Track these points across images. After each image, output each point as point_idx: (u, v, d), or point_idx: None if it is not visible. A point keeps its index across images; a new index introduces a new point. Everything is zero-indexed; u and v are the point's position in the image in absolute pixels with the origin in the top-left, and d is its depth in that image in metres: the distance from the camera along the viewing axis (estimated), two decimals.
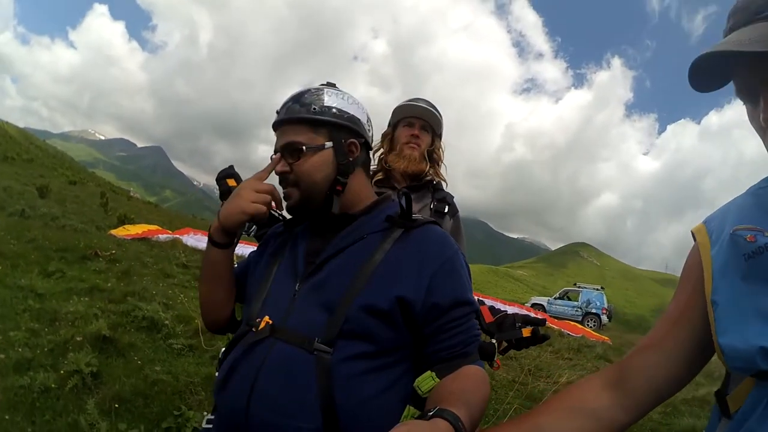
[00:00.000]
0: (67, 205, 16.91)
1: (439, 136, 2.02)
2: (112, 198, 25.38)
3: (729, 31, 0.77)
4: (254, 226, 1.64)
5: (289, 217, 1.23)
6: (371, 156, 1.30)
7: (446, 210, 1.90)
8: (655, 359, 0.85)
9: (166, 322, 5.16)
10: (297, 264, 1.10)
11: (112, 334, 4.47)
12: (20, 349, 3.93)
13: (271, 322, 1.02)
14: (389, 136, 2.01)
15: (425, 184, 1.95)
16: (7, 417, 2.98)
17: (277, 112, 1.14)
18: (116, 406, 3.35)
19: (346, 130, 1.12)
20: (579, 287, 24.11)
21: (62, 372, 3.60)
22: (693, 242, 0.88)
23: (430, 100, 2.00)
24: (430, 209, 1.89)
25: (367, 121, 1.19)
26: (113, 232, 11.79)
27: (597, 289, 23.30)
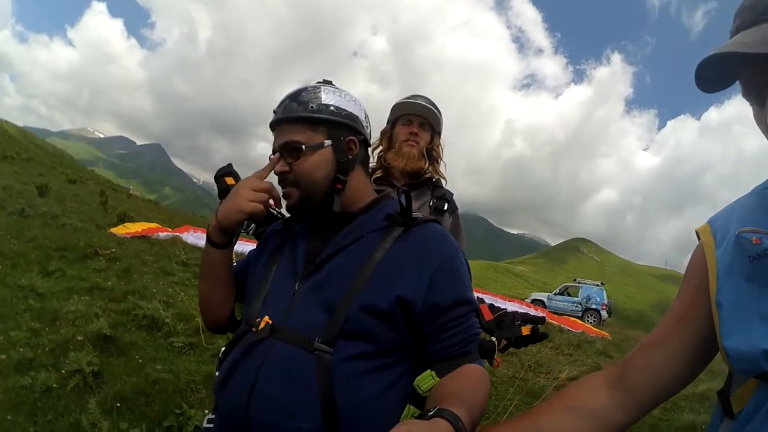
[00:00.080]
0: (66, 204, 16.91)
1: (438, 134, 2.01)
2: (112, 196, 25.36)
3: (735, 30, 0.77)
4: (253, 225, 1.64)
5: (288, 215, 1.22)
6: (370, 153, 1.29)
7: (446, 207, 1.90)
8: (659, 357, 0.84)
9: (167, 320, 5.17)
10: (297, 263, 1.10)
11: (113, 333, 4.48)
12: (21, 349, 3.94)
13: (270, 322, 1.02)
14: (388, 134, 2.00)
15: (424, 181, 1.95)
16: (9, 417, 2.99)
17: (275, 111, 1.13)
18: (118, 405, 3.36)
19: (344, 127, 1.11)
20: (579, 283, 24.13)
21: (63, 371, 3.61)
22: (696, 240, 0.88)
23: (429, 97, 1.99)
24: (430, 207, 1.89)
25: (365, 118, 1.18)
26: (113, 230, 11.80)
27: (597, 285, 23.33)
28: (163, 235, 11.79)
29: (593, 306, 21.87)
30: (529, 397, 5.36)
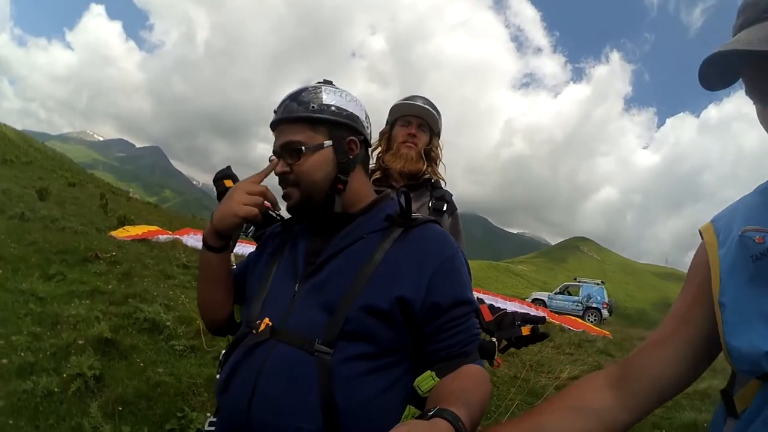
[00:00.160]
0: (66, 207, 16.90)
1: (437, 135, 2.01)
2: (112, 199, 25.36)
3: (739, 27, 0.76)
4: (252, 227, 1.65)
5: (287, 217, 1.22)
6: (370, 154, 1.29)
7: (445, 208, 1.90)
8: (661, 357, 0.84)
9: (168, 323, 5.17)
10: (296, 264, 1.10)
11: (114, 336, 4.48)
12: (23, 354, 3.94)
13: (270, 323, 1.02)
14: (386, 135, 2.00)
15: (423, 182, 1.95)
16: (10, 422, 2.99)
17: (275, 112, 1.13)
18: (119, 408, 3.36)
19: (345, 127, 1.11)
20: (579, 282, 24.13)
21: (65, 376, 3.61)
22: (699, 239, 0.88)
23: (428, 97, 1.99)
24: (429, 208, 1.89)
25: (366, 118, 1.18)
26: (113, 233, 11.79)
27: (597, 284, 23.32)
28: (163, 237, 11.78)
29: (594, 305, 21.87)
30: (530, 396, 5.36)
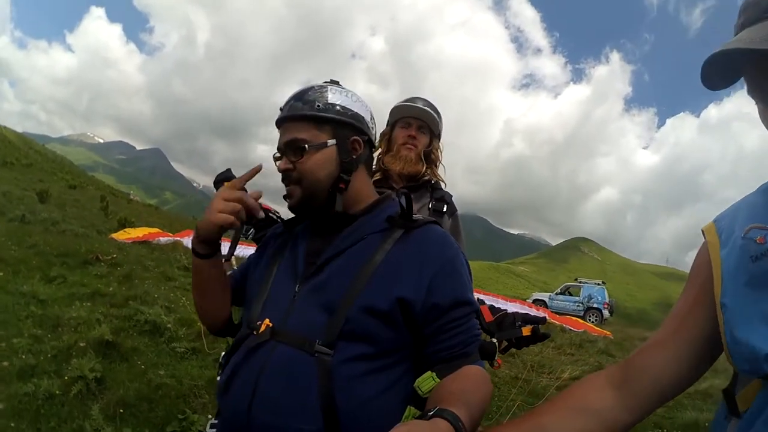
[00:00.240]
0: (67, 210, 16.90)
1: (438, 137, 2.00)
2: (112, 201, 25.36)
3: (741, 26, 0.76)
4: (252, 229, 1.65)
5: (286, 218, 1.22)
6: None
7: (445, 209, 1.89)
8: (662, 358, 0.84)
9: (169, 325, 5.17)
10: (297, 265, 1.10)
11: (115, 338, 4.49)
12: (24, 356, 3.95)
13: (271, 324, 1.02)
14: (387, 136, 2.00)
15: (423, 184, 1.95)
16: (12, 424, 2.99)
17: (281, 109, 1.13)
18: (121, 411, 3.37)
19: (349, 127, 1.11)
20: (580, 282, 24.12)
21: (66, 378, 3.61)
22: (702, 239, 0.87)
23: (429, 98, 1.98)
24: (429, 209, 1.88)
25: (371, 119, 1.18)
26: (114, 235, 11.77)
27: (598, 284, 23.32)
28: (163, 240, 11.76)
29: (595, 305, 21.87)
30: (531, 397, 5.36)
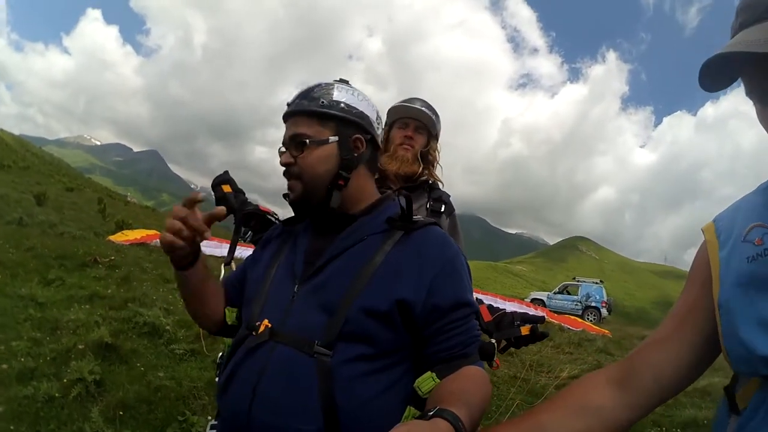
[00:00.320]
0: (64, 212, 16.85)
1: (435, 138, 2.00)
2: (110, 204, 25.28)
3: (739, 27, 0.76)
4: (249, 231, 1.65)
5: (284, 219, 1.22)
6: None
7: (442, 209, 1.90)
8: (662, 357, 0.84)
9: (168, 327, 5.16)
10: (296, 265, 1.11)
11: (114, 341, 4.48)
12: (23, 359, 3.94)
13: (270, 325, 1.02)
14: (384, 137, 2.00)
15: (420, 184, 1.95)
16: (12, 427, 2.99)
17: (288, 105, 1.15)
18: (120, 413, 3.36)
19: (353, 125, 1.12)
20: (578, 281, 24.14)
21: (65, 381, 3.61)
22: (702, 238, 0.88)
23: (427, 99, 1.99)
24: (426, 209, 1.89)
25: (377, 119, 1.19)
26: (112, 238, 11.76)
27: (596, 283, 23.34)
28: None
29: (593, 304, 21.89)
30: (530, 396, 5.37)
